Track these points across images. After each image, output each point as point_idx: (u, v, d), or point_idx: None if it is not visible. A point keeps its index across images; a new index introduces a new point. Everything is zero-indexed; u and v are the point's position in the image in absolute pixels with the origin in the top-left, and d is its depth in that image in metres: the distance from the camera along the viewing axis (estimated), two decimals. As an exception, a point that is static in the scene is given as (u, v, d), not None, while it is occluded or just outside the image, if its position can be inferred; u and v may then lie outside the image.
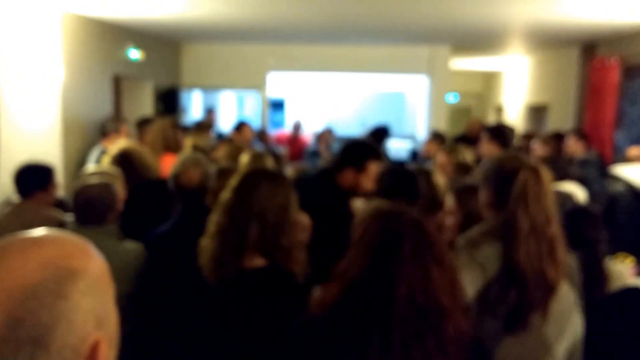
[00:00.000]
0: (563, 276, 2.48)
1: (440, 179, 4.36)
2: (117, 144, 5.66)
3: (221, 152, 6.49)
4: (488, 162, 2.77)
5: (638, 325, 2.81)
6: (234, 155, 5.74)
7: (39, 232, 1.22)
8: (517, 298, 2.37)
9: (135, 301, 3.47)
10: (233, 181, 2.74)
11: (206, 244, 2.66)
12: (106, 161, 5.64)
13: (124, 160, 5.16)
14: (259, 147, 8.15)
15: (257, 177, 2.74)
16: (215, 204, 2.77)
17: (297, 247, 2.67)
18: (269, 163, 5.05)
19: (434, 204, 4.08)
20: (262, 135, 10.04)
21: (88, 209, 3.73)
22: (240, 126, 8.68)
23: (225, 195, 2.70)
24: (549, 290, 2.41)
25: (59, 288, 1.11)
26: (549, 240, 2.43)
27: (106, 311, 1.22)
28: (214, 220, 2.69)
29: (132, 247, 3.73)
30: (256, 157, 5.07)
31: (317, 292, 2.43)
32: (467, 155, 5.44)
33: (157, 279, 3.61)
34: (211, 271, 2.61)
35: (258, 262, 2.58)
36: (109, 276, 1.27)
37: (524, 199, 2.44)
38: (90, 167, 5.90)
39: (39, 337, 1.07)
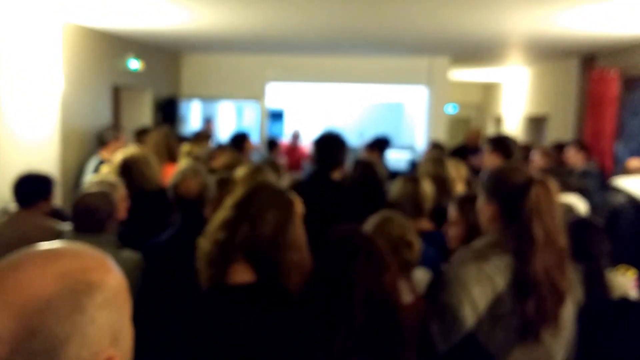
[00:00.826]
0: (570, 288, 2.48)
1: (428, 188, 4.44)
2: (121, 153, 5.66)
3: (220, 162, 6.46)
4: (488, 174, 2.73)
5: (623, 336, 2.86)
6: (233, 166, 5.71)
7: (58, 244, 1.21)
8: (533, 309, 2.36)
9: (133, 310, 3.44)
10: (236, 195, 2.71)
11: (204, 248, 2.64)
12: (105, 171, 5.62)
13: (125, 169, 5.15)
14: (257, 157, 8.11)
15: (260, 192, 2.71)
16: (214, 214, 2.74)
17: (293, 267, 2.64)
18: (270, 176, 4.99)
19: (418, 210, 4.33)
20: (272, 144, 10.05)
21: (87, 217, 3.72)
22: (241, 138, 8.64)
23: (227, 208, 2.67)
24: (560, 301, 2.42)
25: (75, 301, 1.10)
26: (559, 252, 2.44)
27: (122, 327, 1.21)
28: (213, 229, 2.66)
29: (130, 256, 3.71)
30: (255, 171, 5.02)
31: None
32: (453, 169, 5.50)
33: (155, 288, 3.58)
34: (205, 280, 2.60)
35: (247, 276, 2.54)
36: (127, 292, 1.26)
37: (537, 211, 2.43)
38: (89, 177, 5.86)
39: (51, 349, 1.05)
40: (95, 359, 1.12)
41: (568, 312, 2.50)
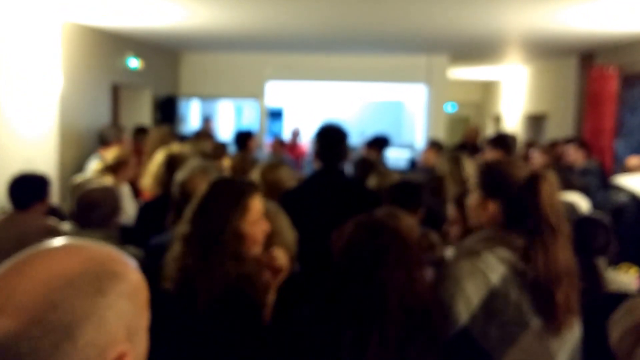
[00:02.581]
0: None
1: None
2: (113, 151, 5.62)
3: (227, 163, 6.41)
4: (485, 171, 2.68)
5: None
6: (242, 169, 5.66)
7: (83, 241, 1.25)
8: (563, 300, 2.36)
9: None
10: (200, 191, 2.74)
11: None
12: (96, 168, 5.57)
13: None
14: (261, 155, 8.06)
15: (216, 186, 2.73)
16: None
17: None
18: (284, 173, 4.88)
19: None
20: (277, 143, 10.01)
21: (90, 212, 3.68)
22: (246, 137, 8.58)
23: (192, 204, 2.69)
24: (577, 291, 2.42)
25: (98, 283, 1.14)
26: (570, 243, 2.46)
27: (138, 327, 1.22)
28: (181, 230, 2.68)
29: (132, 253, 3.65)
30: (271, 168, 4.92)
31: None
32: (469, 166, 5.36)
33: (157, 286, 3.54)
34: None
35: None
36: (146, 298, 1.28)
37: (551, 204, 2.42)
38: (81, 175, 5.81)
39: (69, 325, 1.08)
40: (109, 348, 1.12)
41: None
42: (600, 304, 2.81)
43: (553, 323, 2.36)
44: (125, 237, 3.85)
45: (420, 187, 4.38)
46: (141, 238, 3.84)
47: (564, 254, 2.39)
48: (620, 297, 2.94)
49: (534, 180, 2.45)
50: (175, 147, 5.48)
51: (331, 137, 4.44)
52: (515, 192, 2.48)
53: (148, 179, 4.85)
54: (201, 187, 3.81)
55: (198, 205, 2.67)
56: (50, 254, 1.15)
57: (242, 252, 2.61)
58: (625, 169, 6.70)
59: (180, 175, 3.87)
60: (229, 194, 2.69)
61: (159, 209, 4.51)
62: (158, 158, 5.22)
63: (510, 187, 2.51)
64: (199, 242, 2.57)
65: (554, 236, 2.39)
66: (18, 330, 1.04)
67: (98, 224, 3.66)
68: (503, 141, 5.30)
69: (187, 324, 2.50)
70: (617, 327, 2.06)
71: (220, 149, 6.72)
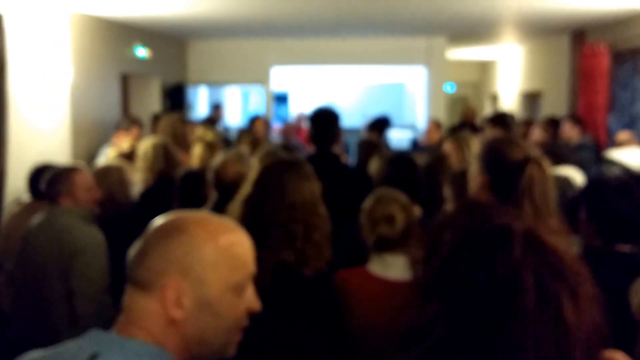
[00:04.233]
0: None
1: None
2: (129, 140, 5.65)
3: (244, 146, 6.41)
4: (488, 146, 2.68)
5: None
6: (255, 147, 5.70)
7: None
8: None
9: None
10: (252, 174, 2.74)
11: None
12: (112, 155, 5.58)
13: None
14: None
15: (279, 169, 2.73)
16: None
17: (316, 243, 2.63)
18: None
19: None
20: (287, 129, 10.03)
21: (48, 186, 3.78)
22: (254, 120, 8.59)
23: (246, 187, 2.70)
24: None
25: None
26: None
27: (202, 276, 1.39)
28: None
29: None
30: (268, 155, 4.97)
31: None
32: (474, 144, 5.25)
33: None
34: None
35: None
36: (235, 261, 1.46)
37: (530, 191, 2.41)
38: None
39: None
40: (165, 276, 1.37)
41: None
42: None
43: None
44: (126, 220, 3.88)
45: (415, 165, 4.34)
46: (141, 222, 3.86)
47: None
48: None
49: (522, 163, 2.45)
50: (209, 135, 5.58)
51: (323, 120, 4.44)
52: (505, 172, 2.48)
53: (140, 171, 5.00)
54: (232, 173, 3.87)
55: (257, 190, 2.66)
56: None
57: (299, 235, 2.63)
58: (617, 144, 6.70)
59: (214, 162, 3.94)
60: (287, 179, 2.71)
61: (158, 195, 4.63)
62: (196, 150, 5.40)
63: (502, 165, 2.50)
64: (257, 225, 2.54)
65: (535, 220, 2.35)
66: None
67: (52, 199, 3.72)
68: (502, 120, 5.29)
69: None
70: (638, 294, 2.05)
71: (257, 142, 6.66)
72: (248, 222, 2.53)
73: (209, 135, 6.78)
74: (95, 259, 3.51)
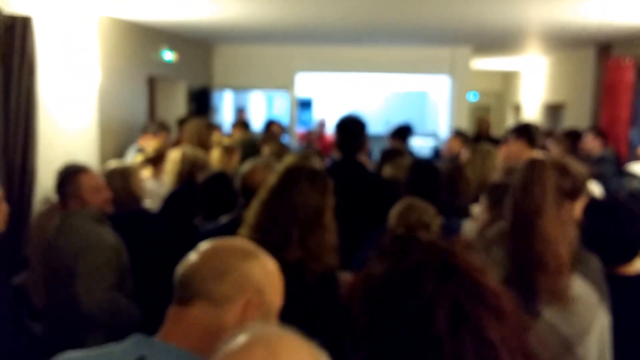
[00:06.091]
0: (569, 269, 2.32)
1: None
2: (154, 143, 5.71)
3: (266, 151, 6.43)
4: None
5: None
6: (279, 155, 5.69)
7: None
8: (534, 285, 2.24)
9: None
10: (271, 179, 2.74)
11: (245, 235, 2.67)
12: (138, 160, 5.62)
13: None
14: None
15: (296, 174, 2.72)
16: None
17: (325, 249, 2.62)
18: (316, 163, 4.90)
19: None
20: (309, 135, 10.03)
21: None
22: (269, 125, 8.59)
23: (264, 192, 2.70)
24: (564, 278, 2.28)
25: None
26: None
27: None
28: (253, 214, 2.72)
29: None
30: (303, 159, 4.96)
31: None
32: (495, 156, 5.12)
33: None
34: None
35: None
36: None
37: (523, 187, 2.35)
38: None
39: None
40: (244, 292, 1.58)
41: (589, 301, 2.32)
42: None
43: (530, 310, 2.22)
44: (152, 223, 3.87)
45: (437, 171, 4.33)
46: (167, 224, 3.88)
47: (541, 242, 2.26)
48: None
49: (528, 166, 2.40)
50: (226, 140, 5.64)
51: (350, 129, 4.42)
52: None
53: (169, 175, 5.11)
54: (259, 180, 3.89)
55: (284, 195, 2.68)
56: None
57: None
58: (638, 157, 6.66)
59: (243, 169, 3.96)
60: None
61: (182, 199, 4.68)
62: (214, 155, 5.46)
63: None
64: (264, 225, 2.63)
65: (530, 224, 2.29)
66: None
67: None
68: (527, 131, 5.07)
69: None
70: None
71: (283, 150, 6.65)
72: (261, 223, 2.56)
73: (226, 140, 6.82)
74: (96, 258, 3.44)
